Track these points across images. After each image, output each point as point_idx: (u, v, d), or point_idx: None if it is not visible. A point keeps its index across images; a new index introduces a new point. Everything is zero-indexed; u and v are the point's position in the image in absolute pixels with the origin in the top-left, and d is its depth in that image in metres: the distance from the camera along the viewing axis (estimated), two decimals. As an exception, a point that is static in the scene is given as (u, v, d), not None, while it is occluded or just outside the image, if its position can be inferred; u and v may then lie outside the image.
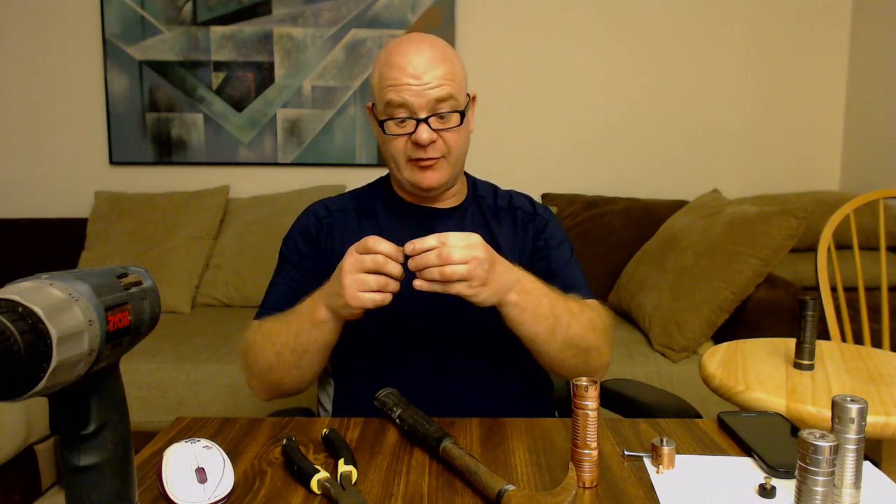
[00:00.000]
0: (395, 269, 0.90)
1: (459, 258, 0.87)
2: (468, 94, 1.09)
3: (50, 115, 2.85)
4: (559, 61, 2.84)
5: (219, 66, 2.80)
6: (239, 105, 2.83)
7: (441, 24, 2.76)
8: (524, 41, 2.83)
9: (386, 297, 0.91)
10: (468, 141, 1.10)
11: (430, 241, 0.88)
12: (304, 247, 1.13)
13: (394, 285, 0.91)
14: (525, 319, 0.98)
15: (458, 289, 0.89)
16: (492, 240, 1.13)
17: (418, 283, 0.90)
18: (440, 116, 1.03)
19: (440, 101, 1.02)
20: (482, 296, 0.92)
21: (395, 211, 1.14)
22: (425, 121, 1.02)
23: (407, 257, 0.90)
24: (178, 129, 2.84)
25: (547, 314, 0.98)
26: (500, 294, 0.94)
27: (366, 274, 0.89)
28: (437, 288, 0.89)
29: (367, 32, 2.79)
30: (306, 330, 0.99)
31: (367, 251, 0.90)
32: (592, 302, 1.11)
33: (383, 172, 1.22)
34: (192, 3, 2.77)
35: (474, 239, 0.90)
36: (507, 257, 1.11)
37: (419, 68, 1.01)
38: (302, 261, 1.13)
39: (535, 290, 0.97)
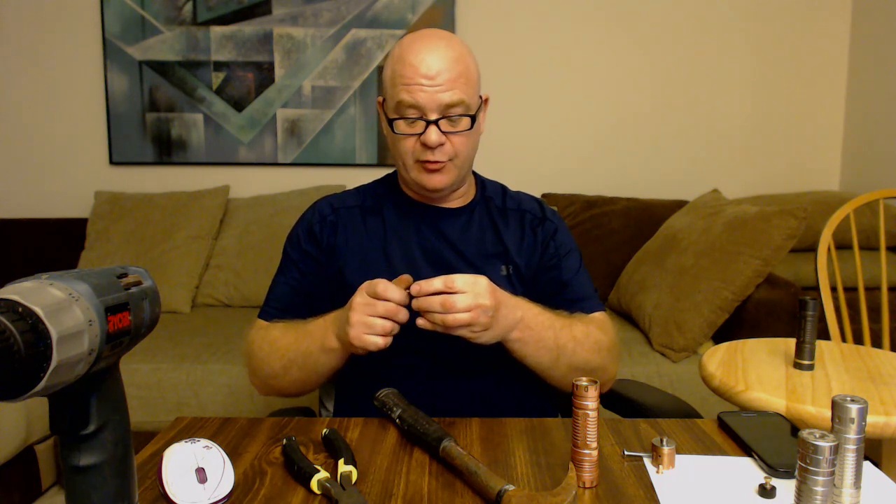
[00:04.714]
0: (404, 316, 0.91)
1: (463, 307, 0.88)
2: (480, 97, 1.08)
3: (50, 115, 2.85)
4: (559, 62, 2.84)
5: (219, 66, 2.80)
6: (239, 105, 2.83)
7: (441, 24, 2.75)
8: (524, 41, 2.83)
9: (388, 341, 0.91)
10: (477, 144, 1.09)
11: (437, 283, 0.89)
12: (307, 245, 1.13)
13: (397, 329, 0.91)
14: (528, 353, 0.99)
15: (461, 333, 0.91)
16: (498, 240, 1.13)
17: (421, 323, 0.91)
18: (450, 119, 1.02)
19: (451, 105, 1.01)
20: (484, 339, 0.93)
21: (402, 209, 1.14)
22: (435, 123, 1.01)
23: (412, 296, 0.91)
24: (178, 129, 2.84)
25: (551, 346, 0.99)
26: (503, 335, 0.95)
27: (373, 318, 0.90)
28: (439, 329, 0.90)
29: (367, 32, 2.79)
30: (316, 353, 1.00)
31: (378, 297, 0.90)
32: (599, 317, 1.11)
33: (383, 173, 1.22)
34: (192, 3, 2.77)
35: (481, 286, 0.90)
36: (513, 259, 1.11)
37: (433, 68, 1.00)
38: (304, 260, 1.13)
39: (538, 326, 0.98)
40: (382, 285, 0.90)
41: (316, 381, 1.06)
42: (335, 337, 0.97)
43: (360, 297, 0.92)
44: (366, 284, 0.92)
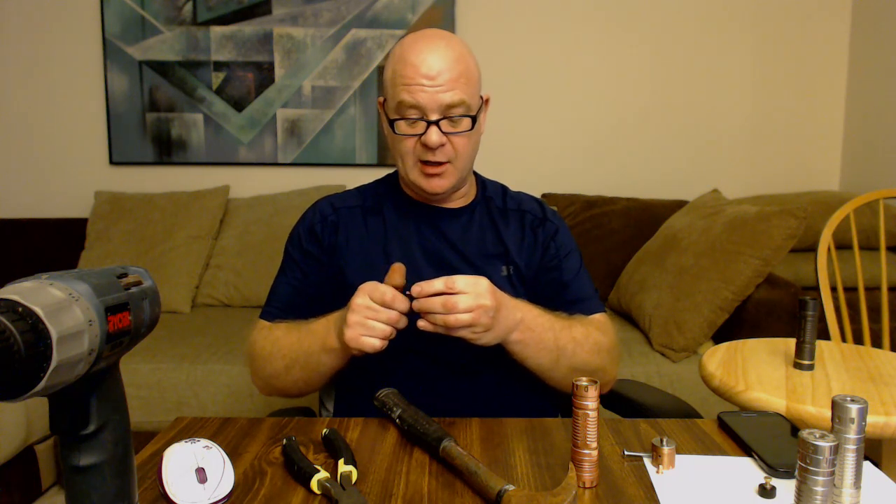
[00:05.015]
0: (404, 324, 0.91)
1: (465, 308, 0.88)
2: (481, 97, 1.08)
3: (50, 115, 2.85)
4: (559, 62, 2.84)
5: (219, 66, 2.80)
6: (239, 105, 2.83)
7: (441, 24, 2.75)
8: (524, 41, 2.83)
9: (384, 345, 0.91)
10: (478, 144, 1.09)
11: (438, 284, 0.88)
12: (309, 245, 1.13)
13: (394, 334, 0.92)
14: (528, 354, 0.99)
15: (462, 334, 0.91)
16: (499, 241, 1.13)
17: (422, 324, 0.91)
18: (451, 120, 1.02)
19: (452, 106, 1.01)
20: (485, 339, 0.93)
21: (402, 209, 1.14)
22: (436, 123, 1.01)
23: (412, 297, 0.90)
24: (178, 129, 2.84)
25: (551, 348, 0.99)
26: (503, 336, 0.95)
27: (373, 321, 0.90)
28: (440, 331, 0.90)
29: (367, 32, 2.79)
30: (317, 352, 1.00)
31: (384, 305, 0.90)
32: (599, 318, 1.11)
33: (383, 173, 1.22)
34: (192, 3, 2.77)
35: (482, 286, 0.90)
36: (514, 259, 1.11)
37: (434, 68, 1.00)
38: (306, 260, 1.13)
39: (538, 327, 0.98)
40: (391, 294, 0.90)
41: (318, 382, 1.06)
42: (336, 337, 0.97)
43: (360, 299, 0.91)
44: (369, 287, 0.92)
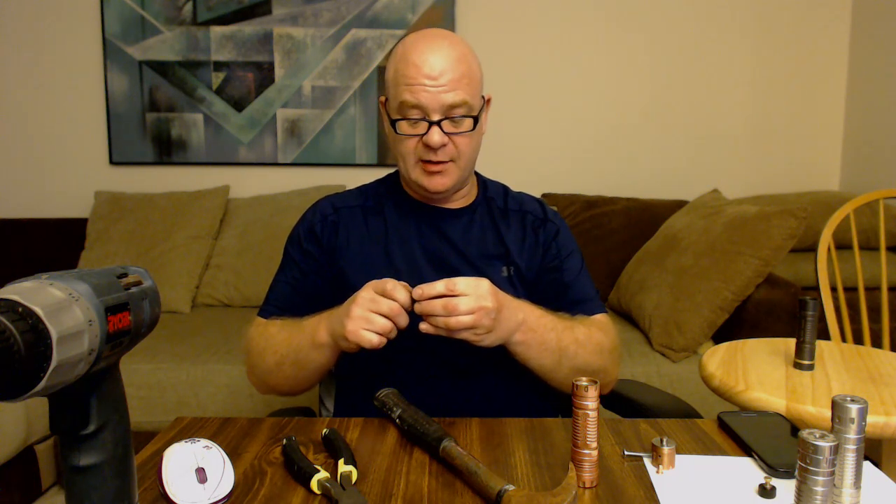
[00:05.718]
0: (404, 321, 0.90)
1: (466, 310, 0.87)
2: (483, 97, 1.08)
3: (50, 115, 2.85)
4: (559, 62, 2.84)
5: (219, 66, 2.80)
6: (239, 105, 2.83)
7: (441, 24, 2.75)
8: (524, 41, 2.83)
9: (383, 342, 0.90)
10: (479, 144, 1.09)
11: (439, 286, 0.88)
12: (309, 245, 1.13)
13: (394, 333, 0.91)
14: (531, 355, 0.99)
15: (464, 336, 0.90)
16: (499, 241, 1.13)
17: (424, 327, 0.90)
18: (453, 120, 1.02)
19: (454, 106, 1.01)
20: (487, 341, 0.93)
21: (403, 209, 1.14)
22: (438, 124, 1.01)
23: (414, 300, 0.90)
24: (178, 129, 2.84)
25: (553, 348, 0.99)
26: (506, 338, 0.95)
27: (375, 314, 0.89)
28: (442, 333, 0.90)
29: (367, 32, 2.79)
30: (306, 348, 1.00)
31: (385, 295, 0.90)
32: (601, 318, 1.11)
33: (383, 173, 1.22)
34: (192, 3, 2.77)
35: (483, 288, 0.89)
36: (514, 260, 1.11)
37: (436, 68, 1.00)
38: (305, 259, 1.13)
39: (540, 328, 0.98)
40: (391, 284, 0.90)
41: (306, 379, 1.05)
42: (327, 333, 0.96)
43: (365, 293, 0.91)
44: (374, 282, 0.92)
